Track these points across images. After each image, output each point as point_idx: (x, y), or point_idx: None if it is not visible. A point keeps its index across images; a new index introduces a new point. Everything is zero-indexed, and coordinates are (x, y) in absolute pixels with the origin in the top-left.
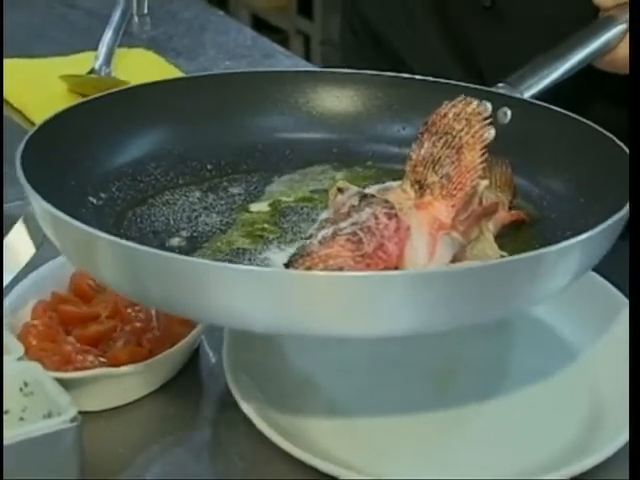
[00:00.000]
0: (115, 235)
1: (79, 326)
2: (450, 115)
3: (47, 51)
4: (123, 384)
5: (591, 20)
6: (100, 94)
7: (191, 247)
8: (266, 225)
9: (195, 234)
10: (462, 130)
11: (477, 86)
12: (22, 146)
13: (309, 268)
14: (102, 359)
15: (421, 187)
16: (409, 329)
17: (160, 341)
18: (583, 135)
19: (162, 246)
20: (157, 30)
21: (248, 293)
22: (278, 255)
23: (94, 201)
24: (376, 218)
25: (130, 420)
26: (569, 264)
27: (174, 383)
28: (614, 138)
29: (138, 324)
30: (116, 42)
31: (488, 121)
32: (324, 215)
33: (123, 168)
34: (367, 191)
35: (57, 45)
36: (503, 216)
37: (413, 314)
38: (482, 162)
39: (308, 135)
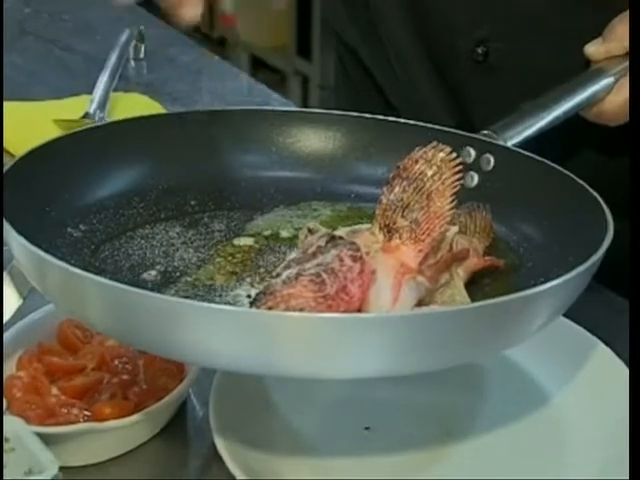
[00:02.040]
0: (90, 268)
1: (64, 378)
2: (421, 161)
3: (43, 94)
4: (108, 439)
5: (582, 71)
6: (83, 127)
7: (165, 281)
8: (242, 261)
9: (170, 269)
10: (433, 176)
11: (461, 132)
12: (3, 175)
13: (271, 308)
14: (87, 412)
15: (389, 231)
16: (367, 372)
17: (146, 394)
18: (562, 186)
19: (136, 280)
20: (153, 75)
21: (210, 330)
22: (250, 292)
23: (73, 232)
24: (341, 260)
25: (115, 475)
26: (534, 312)
27: (160, 437)
28: (591, 190)
29: (124, 377)
30: (111, 86)
31: (459, 168)
32: (293, 255)
33: (105, 201)
34: (336, 233)
35: (53, 88)
36: (475, 262)
37: (371, 357)
38: (451, 209)
39: (292, 174)
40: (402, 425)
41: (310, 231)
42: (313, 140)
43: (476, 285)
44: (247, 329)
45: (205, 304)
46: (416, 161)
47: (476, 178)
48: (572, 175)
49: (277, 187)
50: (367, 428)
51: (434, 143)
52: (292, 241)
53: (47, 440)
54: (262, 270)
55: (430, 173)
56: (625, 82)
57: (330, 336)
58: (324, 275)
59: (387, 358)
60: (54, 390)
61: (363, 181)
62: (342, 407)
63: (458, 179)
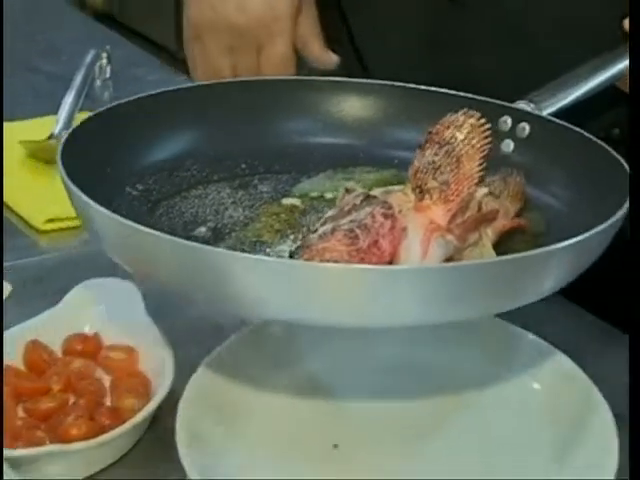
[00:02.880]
0: (146, 223)
1: (30, 400)
2: (452, 126)
3: (9, 115)
4: (75, 460)
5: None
6: (143, 95)
7: (215, 238)
8: (287, 220)
9: (220, 226)
10: (463, 140)
11: (498, 102)
12: (63, 141)
13: (308, 260)
14: (53, 434)
15: (421, 191)
16: (397, 320)
17: (113, 415)
18: (594, 154)
19: (188, 236)
20: (119, 94)
21: (252, 280)
22: (292, 248)
23: (131, 191)
24: (373, 217)
25: None
26: (555, 267)
27: (127, 458)
28: (621, 160)
29: (91, 398)
30: (77, 107)
31: (487, 133)
32: (330, 213)
33: (161, 163)
34: (371, 193)
35: (20, 109)
36: (503, 223)
37: (400, 306)
38: (480, 171)
39: (336, 140)
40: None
41: (347, 191)
42: (356, 108)
43: (505, 245)
44: (285, 279)
45: (246, 255)
46: (447, 126)
47: (512, 145)
48: (605, 145)
49: (323, 152)
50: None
51: (465, 109)
52: (334, 202)
53: (13, 463)
54: (305, 228)
55: (460, 137)
56: None
57: (361, 286)
58: (357, 230)
59: (415, 308)
60: (20, 412)
61: (404, 146)
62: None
63: (487, 143)
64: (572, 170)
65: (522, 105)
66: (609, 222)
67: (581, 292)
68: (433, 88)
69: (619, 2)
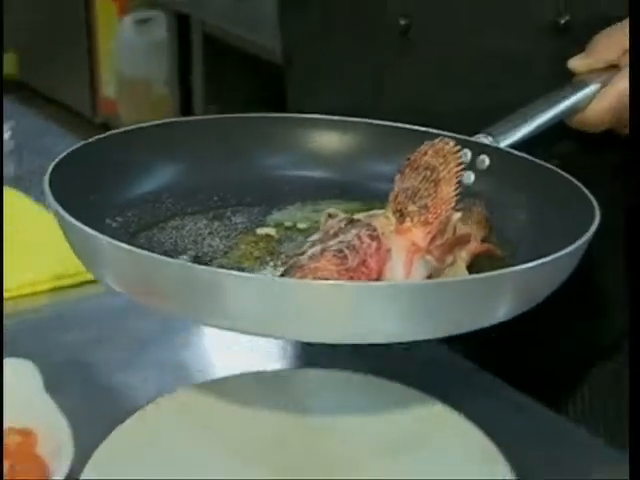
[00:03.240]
0: None
1: None
2: (430, 152)
3: None
4: None
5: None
6: (116, 131)
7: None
8: (265, 247)
9: (200, 254)
10: (439, 166)
11: (458, 135)
12: (49, 170)
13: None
14: None
15: (401, 215)
16: (381, 336)
17: None
18: (552, 181)
19: None
20: (25, 168)
21: (243, 298)
22: (273, 273)
23: (111, 223)
24: (360, 238)
25: None
26: (521, 288)
27: None
28: (579, 184)
29: None
30: None
31: (462, 160)
32: (315, 237)
33: (138, 197)
34: (354, 217)
35: None
36: (475, 246)
37: (388, 322)
38: (456, 195)
39: (307, 173)
40: None
41: (330, 215)
42: (324, 143)
43: (475, 268)
44: (279, 297)
45: (244, 274)
46: (425, 153)
47: (472, 176)
48: (560, 171)
49: (291, 186)
50: None
51: (440, 138)
52: (308, 232)
53: None
54: (283, 255)
55: (437, 163)
56: (606, 91)
57: (353, 302)
58: (346, 251)
59: (398, 322)
60: None
61: (373, 179)
62: None
63: (461, 169)
64: (533, 198)
65: (481, 138)
66: (576, 244)
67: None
68: (400, 124)
69: (562, 41)
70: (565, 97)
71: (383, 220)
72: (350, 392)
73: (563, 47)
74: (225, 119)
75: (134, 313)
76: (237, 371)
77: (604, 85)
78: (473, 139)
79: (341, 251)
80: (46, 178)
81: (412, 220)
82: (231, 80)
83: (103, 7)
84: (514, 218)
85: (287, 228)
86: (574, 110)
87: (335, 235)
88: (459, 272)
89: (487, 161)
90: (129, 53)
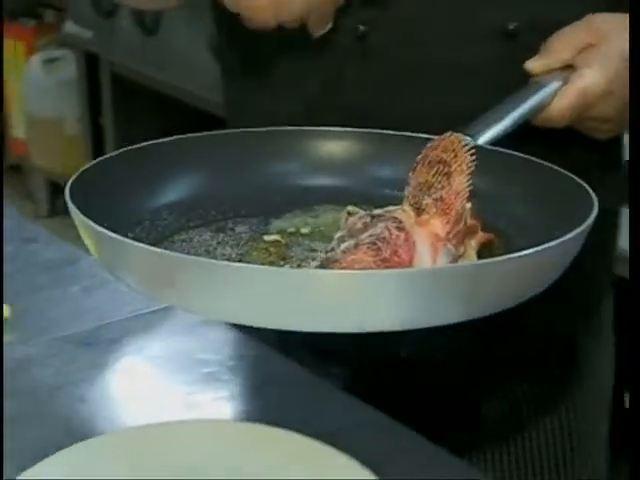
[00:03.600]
0: None
1: None
2: (440, 148)
3: None
4: None
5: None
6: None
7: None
8: (276, 253)
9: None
10: (451, 160)
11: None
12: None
13: None
14: None
15: (418, 208)
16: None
17: None
18: (541, 175)
19: None
20: None
21: (287, 293)
22: None
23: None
24: (389, 230)
25: None
26: (547, 265)
27: None
28: (563, 171)
29: None
30: None
31: (472, 151)
32: (339, 234)
33: (141, 214)
34: (374, 212)
35: None
36: (481, 236)
37: (425, 307)
38: (469, 185)
39: (299, 182)
40: None
41: (349, 213)
42: (316, 152)
43: (482, 256)
44: (323, 288)
45: (287, 269)
46: (435, 148)
47: None
48: (553, 165)
49: (285, 195)
50: None
51: (448, 133)
52: (312, 236)
53: None
54: (294, 259)
55: (448, 157)
56: (567, 89)
57: (401, 288)
58: (379, 243)
59: (436, 307)
60: None
61: (368, 184)
62: None
63: (472, 160)
64: (521, 191)
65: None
66: (581, 228)
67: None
68: (392, 132)
69: (511, 46)
70: (530, 96)
71: (402, 214)
72: (229, 441)
73: (512, 52)
74: (215, 136)
75: (34, 364)
76: (135, 423)
77: (564, 83)
78: None
79: (374, 243)
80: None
81: (429, 212)
82: (141, 118)
83: (10, 47)
84: (503, 211)
85: (291, 234)
86: (539, 109)
87: (362, 230)
88: (472, 260)
89: None
90: (38, 93)
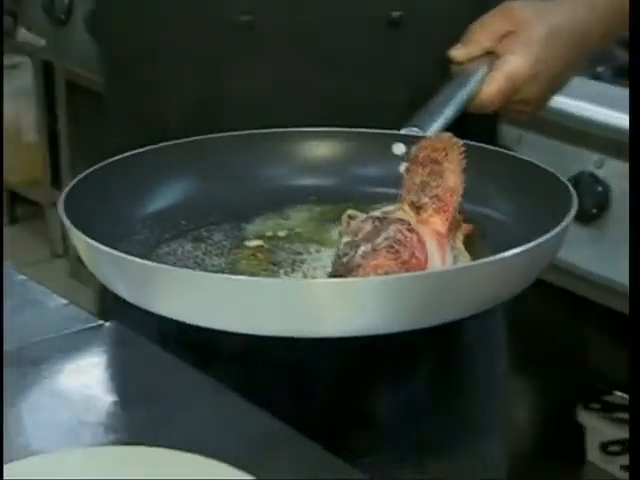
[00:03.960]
0: None
1: None
2: (429, 148)
3: None
4: None
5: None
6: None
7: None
8: (265, 259)
9: (211, 272)
10: (442, 158)
11: (389, 131)
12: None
13: (364, 277)
14: None
15: (416, 207)
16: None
17: None
18: (502, 163)
19: None
20: None
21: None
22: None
23: None
24: (402, 233)
25: None
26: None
27: None
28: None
29: None
30: None
31: (463, 149)
32: (346, 239)
33: (120, 230)
34: (373, 214)
35: None
36: (464, 228)
37: (458, 302)
38: (462, 182)
39: (260, 186)
40: None
41: (350, 217)
42: (281, 154)
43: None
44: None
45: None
46: (425, 148)
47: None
48: (508, 151)
49: (253, 198)
50: None
51: (437, 133)
52: (290, 239)
53: None
54: (284, 263)
55: (439, 156)
56: (494, 75)
57: (427, 290)
58: (396, 246)
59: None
60: None
61: (333, 183)
62: None
63: (463, 158)
64: (500, 185)
65: (411, 131)
66: (562, 225)
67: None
68: (335, 129)
69: (396, 35)
70: (463, 84)
71: (402, 214)
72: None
73: (397, 41)
74: (176, 145)
75: None
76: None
77: (489, 70)
78: (405, 132)
79: (392, 247)
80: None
81: (427, 211)
82: (96, 125)
83: None
84: (485, 205)
85: (270, 238)
86: (473, 96)
87: (374, 233)
88: (459, 253)
89: None
90: None
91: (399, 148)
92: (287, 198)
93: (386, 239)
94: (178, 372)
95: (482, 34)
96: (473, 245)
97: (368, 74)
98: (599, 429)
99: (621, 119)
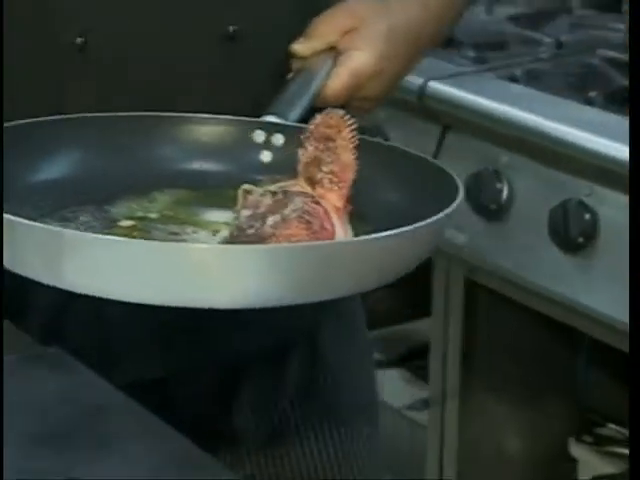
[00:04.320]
0: None
1: None
2: (323, 125)
3: None
4: None
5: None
6: None
7: None
8: (141, 237)
9: None
10: (335, 134)
11: (247, 119)
12: None
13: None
14: None
15: (312, 182)
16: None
17: None
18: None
19: None
20: None
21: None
22: None
23: None
24: (308, 205)
25: None
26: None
27: None
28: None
29: None
30: None
31: (354, 126)
32: (246, 212)
33: None
34: (270, 188)
35: None
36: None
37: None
38: (355, 159)
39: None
40: None
41: (247, 192)
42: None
43: None
44: (273, 264)
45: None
46: (318, 125)
47: (270, 155)
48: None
49: (107, 180)
50: None
51: (328, 109)
52: (163, 220)
53: None
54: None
55: (332, 133)
56: (338, 70)
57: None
58: (306, 216)
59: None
60: None
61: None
62: None
63: (355, 135)
64: (371, 169)
65: (272, 118)
66: (450, 209)
67: None
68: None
69: (231, 49)
70: (314, 76)
71: (300, 189)
72: None
73: (232, 55)
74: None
75: None
76: None
77: (333, 66)
78: (266, 120)
79: (302, 217)
80: None
81: (323, 186)
82: None
83: None
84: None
85: (141, 218)
86: (320, 90)
87: (283, 205)
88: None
89: (282, 139)
90: None
91: (259, 136)
92: (153, 181)
93: (294, 210)
94: None
95: (326, 28)
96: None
97: (206, 88)
98: (591, 463)
99: (612, 147)
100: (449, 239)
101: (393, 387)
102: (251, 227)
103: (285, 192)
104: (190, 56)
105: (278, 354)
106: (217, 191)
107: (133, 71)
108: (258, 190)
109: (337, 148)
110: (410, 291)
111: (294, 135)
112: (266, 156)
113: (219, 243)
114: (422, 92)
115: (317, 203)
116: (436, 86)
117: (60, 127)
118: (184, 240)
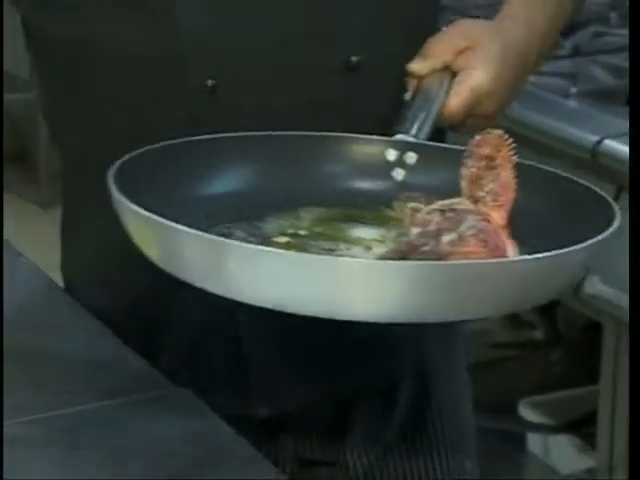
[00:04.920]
0: None
1: None
2: (482, 144)
3: None
4: None
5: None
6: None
7: None
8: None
9: None
10: (495, 153)
11: (383, 138)
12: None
13: None
14: None
15: (474, 201)
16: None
17: None
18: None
19: None
20: None
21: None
22: None
23: None
24: (480, 222)
25: None
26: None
27: None
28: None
29: None
30: None
31: (512, 145)
32: (416, 230)
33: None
34: (434, 207)
35: None
36: None
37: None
38: (515, 177)
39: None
40: None
41: (414, 210)
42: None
43: None
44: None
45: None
46: (479, 145)
47: (402, 173)
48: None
49: (257, 201)
50: None
51: (487, 130)
52: (313, 237)
53: None
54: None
55: (492, 152)
56: (458, 88)
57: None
58: (481, 235)
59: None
60: None
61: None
62: None
63: (514, 154)
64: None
65: (402, 137)
66: (604, 235)
67: None
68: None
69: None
70: (434, 96)
71: (467, 207)
72: None
73: (354, 84)
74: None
75: None
76: None
77: (450, 85)
78: (398, 139)
79: (477, 235)
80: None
81: (486, 205)
82: None
83: None
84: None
85: (292, 235)
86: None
87: (457, 223)
88: None
89: (415, 157)
90: None
91: (391, 154)
92: (298, 199)
93: (469, 228)
94: None
95: (441, 49)
96: None
97: (331, 118)
98: None
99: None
100: (617, 303)
101: (561, 453)
102: (425, 244)
103: (454, 210)
104: (316, 88)
105: (389, 388)
106: (356, 209)
107: (261, 106)
108: (424, 208)
109: (497, 167)
110: (585, 354)
111: (425, 153)
112: (399, 174)
113: (376, 259)
114: (596, 150)
115: (488, 221)
116: (611, 144)
117: (218, 145)
118: (341, 256)
